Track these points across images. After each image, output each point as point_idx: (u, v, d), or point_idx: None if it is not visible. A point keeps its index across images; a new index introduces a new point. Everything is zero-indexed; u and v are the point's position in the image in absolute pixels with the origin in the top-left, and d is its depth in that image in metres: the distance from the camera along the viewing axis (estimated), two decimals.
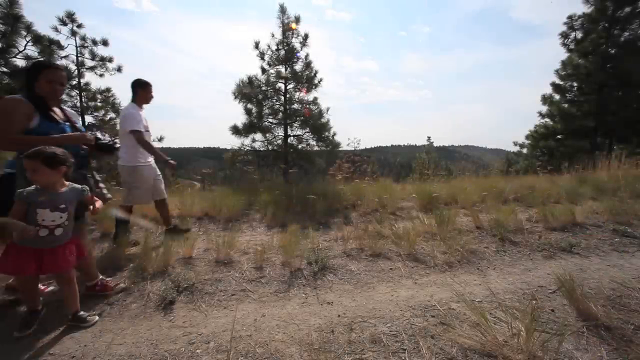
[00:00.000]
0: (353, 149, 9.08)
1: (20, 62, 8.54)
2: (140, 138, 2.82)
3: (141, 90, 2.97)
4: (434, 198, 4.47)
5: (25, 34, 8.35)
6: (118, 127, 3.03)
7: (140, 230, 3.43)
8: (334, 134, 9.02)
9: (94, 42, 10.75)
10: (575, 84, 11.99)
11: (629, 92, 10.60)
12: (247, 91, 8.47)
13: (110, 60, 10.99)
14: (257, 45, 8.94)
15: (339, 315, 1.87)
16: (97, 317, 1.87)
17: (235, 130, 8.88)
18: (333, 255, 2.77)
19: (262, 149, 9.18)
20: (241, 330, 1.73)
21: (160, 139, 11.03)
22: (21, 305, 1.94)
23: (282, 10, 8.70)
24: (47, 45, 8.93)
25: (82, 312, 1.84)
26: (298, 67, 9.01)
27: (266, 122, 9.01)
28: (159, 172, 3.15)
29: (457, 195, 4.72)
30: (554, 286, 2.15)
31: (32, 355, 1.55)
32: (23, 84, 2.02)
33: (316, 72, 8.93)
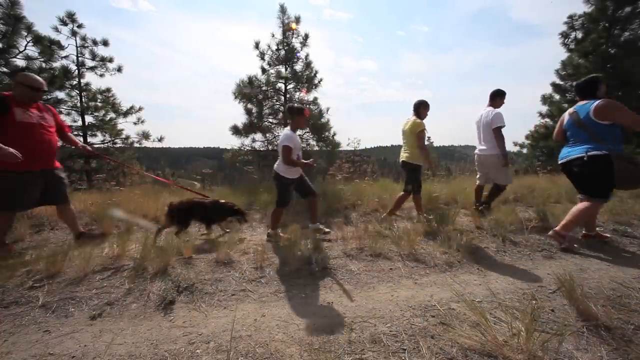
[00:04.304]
0: (353, 149, 9.07)
1: (20, 62, 8.55)
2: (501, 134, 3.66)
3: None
4: (434, 198, 4.47)
5: (26, 34, 8.35)
6: (483, 125, 3.77)
7: (141, 229, 3.43)
8: (334, 134, 9.01)
9: (94, 42, 10.75)
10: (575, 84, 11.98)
11: (629, 92, 10.59)
12: (247, 91, 8.48)
13: (111, 60, 10.99)
14: (257, 45, 8.94)
15: (338, 315, 1.87)
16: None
17: (235, 130, 8.88)
18: (333, 255, 2.78)
19: (262, 149, 9.18)
20: (241, 330, 1.73)
21: (160, 139, 11.02)
22: None
23: (282, 10, 8.70)
24: (48, 45, 8.93)
25: None
26: (298, 67, 9.02)
27: (266, 122, 9.01)
28: None
29: (457, 195, 4.72)
30: (554, 286, 2.15)
31: (32, 355, 1.55)
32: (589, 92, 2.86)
33: (316, 72, 8.93)
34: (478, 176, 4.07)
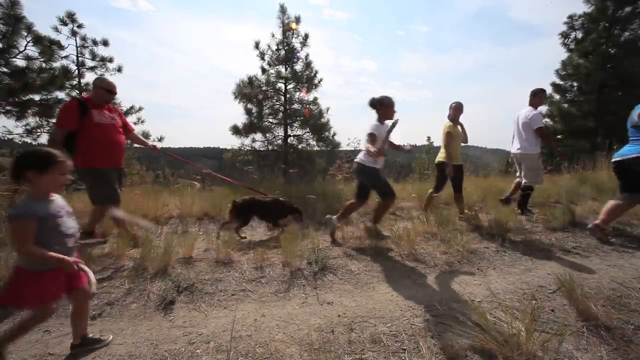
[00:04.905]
0: (353, 149, 9.07)
1: (20, 62, 8.54)
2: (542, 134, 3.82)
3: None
4: (434, 198, 4.46)
5: (26, 34, 8.35)
6: (522, 124, 3.88)
7: (140, 229, 3.43)
8: (334, 134, 9.01)
9: (94, 42, 10.74)
10: (575, 84, 11.97)
11: (629, 92, 10.59)
12: (247, 91, 8.48)
13: (111, 60, 10.98)
14: (257, 45, 8.94)
15: (339, 315, 1.87)
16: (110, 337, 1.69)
17: (235, 130, 8.88)
18: (333, 255, 2.77)
19: (262, 149, 9.18)
20: (241, 330, 1.73)
21: (161, 139, 11.02)
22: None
23: (282, 10, 8.71)
24: (48, 45, 8.92)
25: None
26: (298, 67, 9.02)
27: (266, 122, 9.01)
28: None
29: None
30: (554, 286, 2.15)
31: (32, 355, 1.55)
32: None
33: (316, 72, 8.93)
34: (518, 173, 4.23)
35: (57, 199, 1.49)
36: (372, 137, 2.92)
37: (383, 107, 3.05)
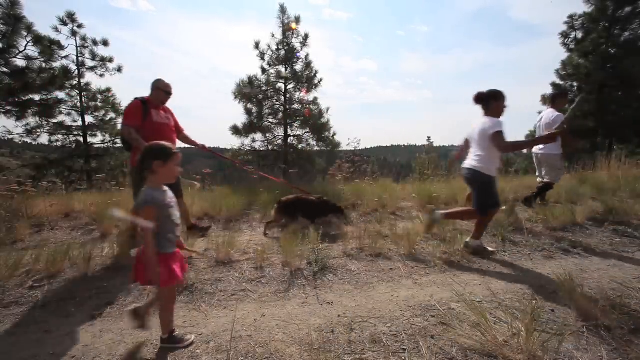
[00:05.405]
0: (353, 149, 9.07)
1: (20, 62, 8.55)
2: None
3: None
4: (434, 198, 4.47)
5: (26, 34, 8.35)
6: (545, 126, 3.97)
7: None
8: (334, 134, 9.03)
9: (94, 42, 10.76)
10: (575, 84, 11.98)
11: (629, 92, 10.60)
12: (247, 91, 8.49)
13: (111, 60, 11.00)
14: (257, 46, 8.96)
15: (339, 315, 1.87)
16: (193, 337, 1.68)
17: (235, 130, 8.90)
18: (333, 255, 2.77)
19: (262, 149, 9.19)
20: (241, 330, 1.73)
21: None
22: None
23: (282, 10, 8.72)
24: (48, 45, 8.93)
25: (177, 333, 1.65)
26: (298, 67, 9.03)
27: (266, 122, 9.02)
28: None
29: (457, 195, 4.71)
30: (554, 286, 2.15)
31: (32, 355, 1.55)
32: None
33: (316, 72, 8.95)
34: (537, 173, 4.35)
35: (168, 190, 1.59)
36: (501, 137, 2.50)
37: (496, 101, 2.68)
